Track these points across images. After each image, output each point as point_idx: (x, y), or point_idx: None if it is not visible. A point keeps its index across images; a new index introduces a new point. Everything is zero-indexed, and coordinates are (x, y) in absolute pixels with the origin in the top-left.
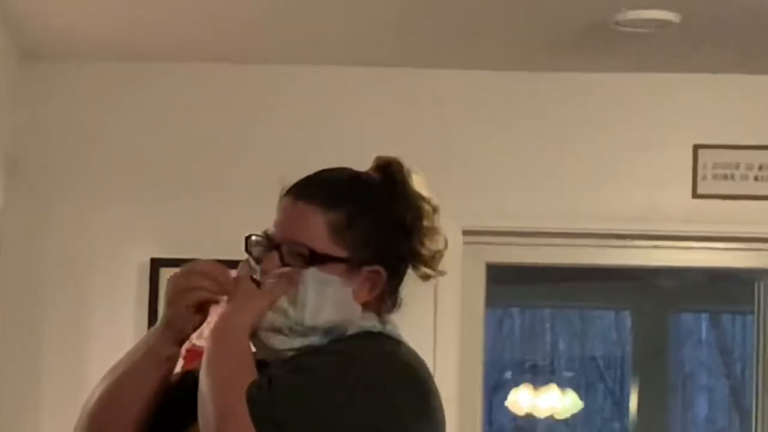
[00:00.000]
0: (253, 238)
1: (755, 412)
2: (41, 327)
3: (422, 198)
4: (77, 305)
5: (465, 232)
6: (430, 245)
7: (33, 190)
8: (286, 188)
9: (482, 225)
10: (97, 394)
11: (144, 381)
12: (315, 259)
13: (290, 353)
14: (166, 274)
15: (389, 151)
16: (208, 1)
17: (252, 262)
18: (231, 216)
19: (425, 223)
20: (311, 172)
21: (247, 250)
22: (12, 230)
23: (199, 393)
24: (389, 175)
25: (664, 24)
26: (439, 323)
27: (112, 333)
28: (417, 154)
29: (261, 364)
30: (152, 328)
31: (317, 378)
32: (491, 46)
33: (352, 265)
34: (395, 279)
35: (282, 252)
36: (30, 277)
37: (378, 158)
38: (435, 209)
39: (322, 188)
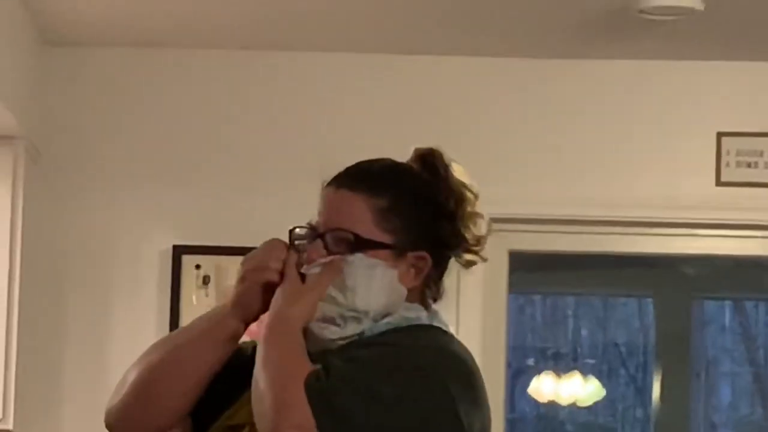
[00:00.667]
0: (297, 230)
1: None
2: (64, 314)
3: (463, 185)
4: (100, 292)
5: (488, 219)
6: (474, 230)
7: (55, 177)
8: (327, 180)
9: (505, 212)
10: (150, 360)
11: (207, 353)
12: (360, 244)
13: (340, 343)
14: (188, 261)
15: (414, 139)
16: None
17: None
18: (253, 203)
19: (468, 208)
20: (335, 159)
21: (291, 242)
22: (34, 217)
23: (254, 385)
24: (430, 164)
25: (688, 11)
26: (461, 310)
27: (135, 319)
28: (441, 142)
29: (310, 357)
30: (217, 306)
31: (374, 368)
32: (515, 34)
33: (397, 250)
34: (440, 266)
35: (326, 241)
36: (52, 263)
37: (417, 149)
38: (476, 196)
39: (364, 176)
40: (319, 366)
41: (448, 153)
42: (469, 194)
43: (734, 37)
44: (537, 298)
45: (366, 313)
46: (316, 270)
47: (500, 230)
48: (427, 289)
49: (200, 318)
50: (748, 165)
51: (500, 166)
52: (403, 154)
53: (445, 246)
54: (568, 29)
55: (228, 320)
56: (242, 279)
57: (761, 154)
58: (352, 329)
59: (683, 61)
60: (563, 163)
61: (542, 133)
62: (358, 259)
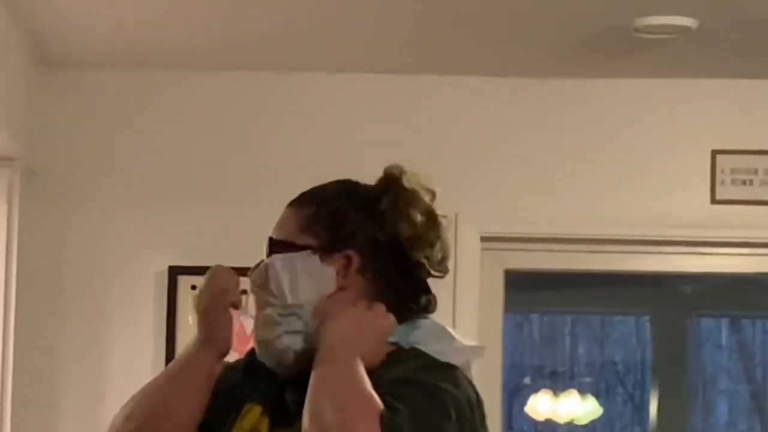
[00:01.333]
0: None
1: None
2: (60, 335)
3: (422, 186)
4: (95, 313)
5: (483, 239)
6: (425, 231)
7: (51, 198)
8: None
9: (501, 231)
10: (132, 409)
11: (190, 403)
12: (280, 247)
13: (286, 339)
14: (184, 282)
15: (407, 159)
16: (221, 11)
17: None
18: (248, 223)
19: (417, 211)
20: (327, 179)
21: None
22: (30, 238)
23: (315, 413)
24: (383, 177)
25: (683, 30)
26: (457, 329)
27: (131, 341)
28: (435, 162)
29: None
30: (189, 346)
31: (420, 409)
32: (510, 53)
33: (317, 250)
34: (380, 267)
35: (268, 253)
36: (48, 284)
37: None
38: (434, 193)
39: (302, 194)
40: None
41: (443, 172)
42: (423, 195)
43: (728, 55)
44: (534, 316)
45: (300, 305)
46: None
47: (496, 249)
48: (403, 307)
49: (175, 365)
50: (743, 183)
51: (496, 185)
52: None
53: (380, 245)
54: (562, 48)
55: (203, 359)
56: (205, 312)
57: (756, 171)
58: (293, 324)
59: (677, 79)
60: (559, 182)
61: (538, 152)
62: (277, 258)
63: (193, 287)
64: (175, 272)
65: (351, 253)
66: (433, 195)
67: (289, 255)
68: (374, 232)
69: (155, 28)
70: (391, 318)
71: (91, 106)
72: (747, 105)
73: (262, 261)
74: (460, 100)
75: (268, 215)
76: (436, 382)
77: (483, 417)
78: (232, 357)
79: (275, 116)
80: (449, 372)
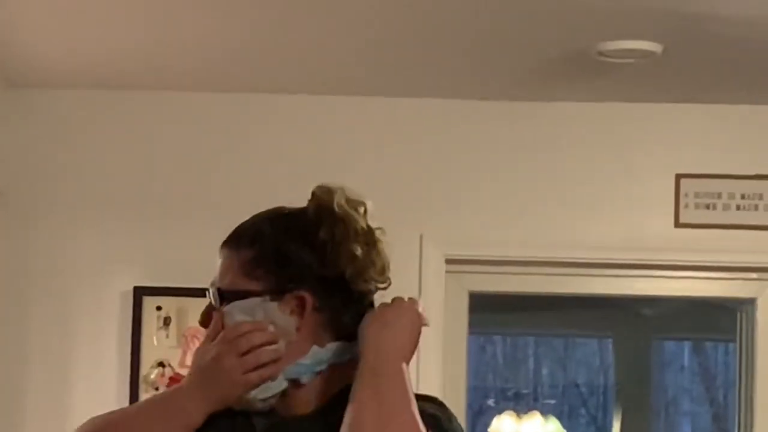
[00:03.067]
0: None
1: None
2: (24, 354)
3: (352, 205)
4: (60, 333)
5: (448, 261)
6: (363, 255)
7: (16, 217)
8: None
9: (465, 254)
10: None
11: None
12: (228, 297)
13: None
14: (148, 302)
15: (371, 180)
16: (189, 32)
17: None
18: (214, 245)
19: (351, 231)
20: (295, 199)
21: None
22: None
23: None
24: (315, 200)
25: (646, 54)
26: (421, 351)
27: (95, 361)
28: (400, 184)
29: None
30: (176, 388)
31: None
32: (474, 76)
33: (267, 295)
34: (337, 300)
35: (212, 302)
36: (13, 304)
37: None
38: (366, 209)
39: (235, 233)
40: None
41: (408, 195)
42: (357, 217)
43: (692, 80)
44: (497, 338)
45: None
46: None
47: (460, 271)
48: (322, 329)
49: (158, 401)
50: (707, 206)
51: (460, 208)
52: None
53: (326, 281)
54: (527, 72)
55: (193, 409)
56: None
57: (719, 195)
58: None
59: (642, 103)
60: (523, 205)
61: (502, 176)
62: (235, 307)
63: (158, 308)
64: (140, 292)
65: (303, 293)
66: (365, 209)
67: (248, 302)
68: (319, 269)
69: (119, 49)
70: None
71: (56, 126)
72: (711, 129)
73: (211, 307)
74: (425, 122)
75: None
76: (436, 412)
77: None
78: None
79: (241, 137)
80: (438, 404)
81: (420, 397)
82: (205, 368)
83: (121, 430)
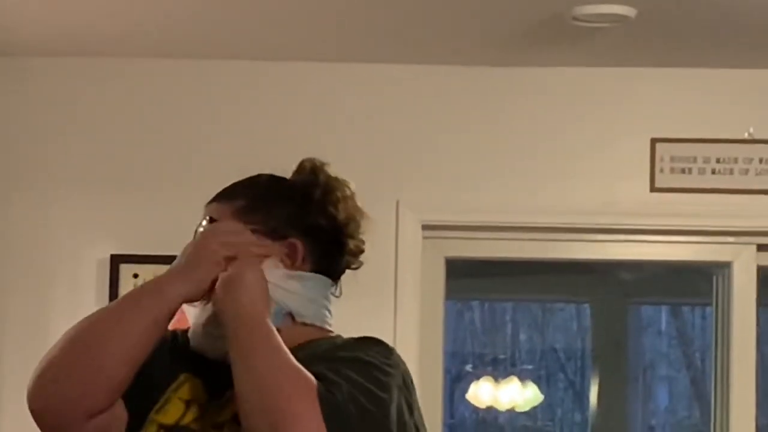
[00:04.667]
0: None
1: (714, 402)
2: (1, 323)
3: (335, 179)
4: (37, 302)
5: (424, 227)
6: (343, 214)
7: None
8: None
9: (441, 219)
10: (81, 325)
11: (148, 321)
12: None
13: None
14: (126, 270)
15: (348, 147)
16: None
17: None
18: (191, 212)
19: (338, 194)
20: (266, 168)
21: None
22: None
23: (247, 393)
24: (300, 168)
25: (620, 19)
26: (398, 317)
27: None
28: (376, 150)
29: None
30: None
31: (358, 383)
32: (448, 41)
33: (263, 234)
34: (321, 256)
35: None
36: None
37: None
38: (350, 188)
39: (225, 189)
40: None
41: (384, 161)
42: (338, 185)
43: (667, 44)
44: (475, 303)
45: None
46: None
47: (437, 237)
48: None
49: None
50: (682, 171)
51: (437, 173)
52: (342, 161)
53: (318, 231)
54: (501, 37)
55: (174, 291)
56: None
57: (695, 160)
58: None
59: (616, 68)
60: (498, 170)
61: (477, 141)
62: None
63: (135, 275)
64: (117, 260)
65: (294, 240)
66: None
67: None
68: (315, 218)
69: (94, 16)
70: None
71: (32, 94)
72: (686, 93)
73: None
74: (400, 88)
75: None
76: (368, 356)
77: (413, 388)
78: None
79: (217, 106)
80: (376, 343)
81: (362, 340)
82: (187, 253)
83: (99, 327)
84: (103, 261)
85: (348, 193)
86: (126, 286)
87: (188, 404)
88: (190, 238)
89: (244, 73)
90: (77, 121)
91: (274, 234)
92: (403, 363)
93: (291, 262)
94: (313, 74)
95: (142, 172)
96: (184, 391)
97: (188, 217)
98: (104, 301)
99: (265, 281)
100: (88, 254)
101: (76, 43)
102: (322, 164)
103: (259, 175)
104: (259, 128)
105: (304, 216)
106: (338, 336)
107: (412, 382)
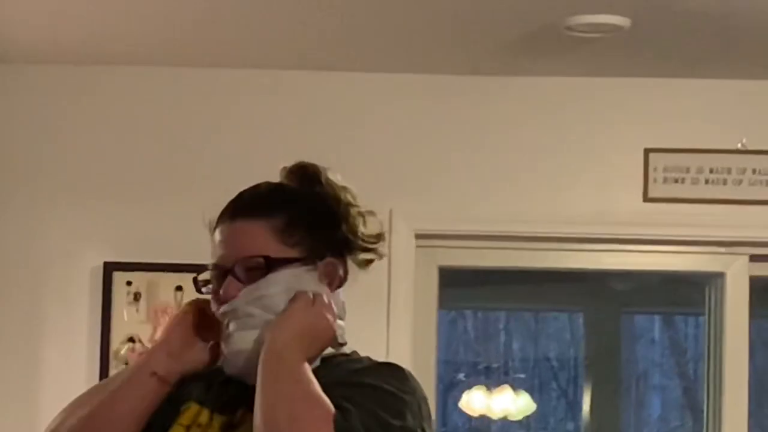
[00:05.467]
0: (200, 277)
1: (707, 412)
2: None
3: (341, 188)
4: (30, 309)
5: (417, 236)
6: (365, 228)
7: None
8: (215, 219)
9: (435, 228)
10: (82, 411)
11: (136, 396)
12: (272, 264)
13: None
14: (119, 277)
15: (341, 155)
16: (163, 7)
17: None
18: (184, 220)
19: (352, 209)
20: (262, 176)
21: (197, 290)
22: None
23: (266, 420)
24: (304, 176)
25: (614, 29)
26: (392, 325)
27: (66, 336)
28: (369, 159)
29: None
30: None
31: (373, 412)
32: (443, 51)
33: (306, 262)
34: (345, 271)
35: (237, 273)
36: None
37: (284, 167)
38: (354, 196)
39: (254, 202)
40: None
41: (377, 169)
42: (348, 195)
43: (660, 54)
44: (468, 312)
45: None
46: (243, 307)
47: (430, 246)
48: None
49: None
50: (675, 181)
51: (429, 183)
52: (335, 170)
53: (344, 249)
54: (495, 46)
55: (155, 360)
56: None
57: (688, 170)
58: None
59: (610, 78)
60: (492, 180)
61: (471, 150)
62: (283, 275)
63: (129, 283)
64: (110, 268)
65: (334, 260)
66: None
67: (294, 271)
68: (339, 237)
69: (94, 25)
70: (334, 309)
71: (26, 102)
72: (679, 104)
73: (226, 270)
74: (394, 97)
75: (205, 212)
76: (386, 384)
77: (429, 415)
78: None
79: (212, 114)
80: (394, 370)
81: (381, 366)
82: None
83: (102, 394)
84: (97, 269)
85: (362, 206)
86: (119, 293)
87: (188, 429)
88: (183, 246)
89: (238, 82)
90: (70, 128)
91: (314, 253)
92: (421, 389)
93: (329, 281)
94: (308, 83)
95: (135, 179)
96: (187, 417)
97: (181, 224)
98: (97, 308)
99: (315, 318)
100: (81, 262)
101: (70, 51)
102: (326, 170)
103: (280, 186)
104: (253, 137)
105: (337, 234)
106: (354, 352)
107: (428, 407)
